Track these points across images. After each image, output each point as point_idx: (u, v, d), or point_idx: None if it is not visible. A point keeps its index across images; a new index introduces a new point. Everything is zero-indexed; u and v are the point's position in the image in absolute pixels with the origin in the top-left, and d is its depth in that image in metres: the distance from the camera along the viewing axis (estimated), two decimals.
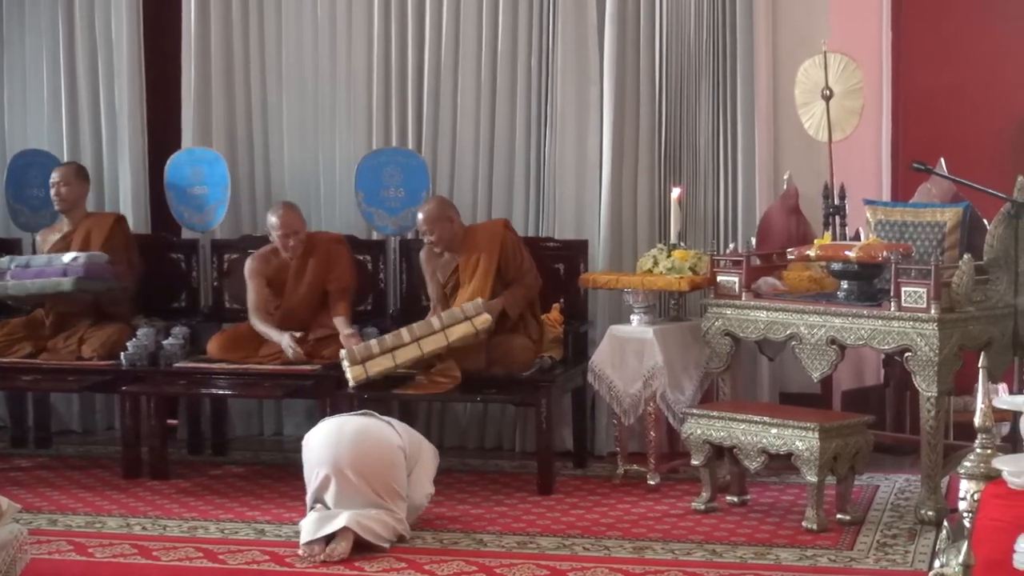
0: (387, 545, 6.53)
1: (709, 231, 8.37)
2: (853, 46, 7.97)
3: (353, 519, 6.45)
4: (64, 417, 9.30)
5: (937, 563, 4.60)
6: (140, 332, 8.20)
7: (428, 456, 7.00)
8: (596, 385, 7.78)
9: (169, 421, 8.37)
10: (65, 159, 9.05)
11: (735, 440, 7.00)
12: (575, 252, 8.32)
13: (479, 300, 7.63)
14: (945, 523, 4.96)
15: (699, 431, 7.10)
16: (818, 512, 6.78)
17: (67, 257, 8.19)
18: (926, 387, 6.80)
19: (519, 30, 8.58)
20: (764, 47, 8.24)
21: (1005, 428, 6.98)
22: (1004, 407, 5.32)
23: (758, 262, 7.57)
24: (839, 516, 6.92)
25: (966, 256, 6.82)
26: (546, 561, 6.38)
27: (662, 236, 8.30)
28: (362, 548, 6.46)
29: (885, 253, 6.93)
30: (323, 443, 6.65)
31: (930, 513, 6.81)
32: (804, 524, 6.81)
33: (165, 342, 8.16)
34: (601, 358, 7.76)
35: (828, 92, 7.74)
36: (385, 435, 6.68)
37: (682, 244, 7.93)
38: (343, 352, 7.61)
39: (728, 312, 7.48)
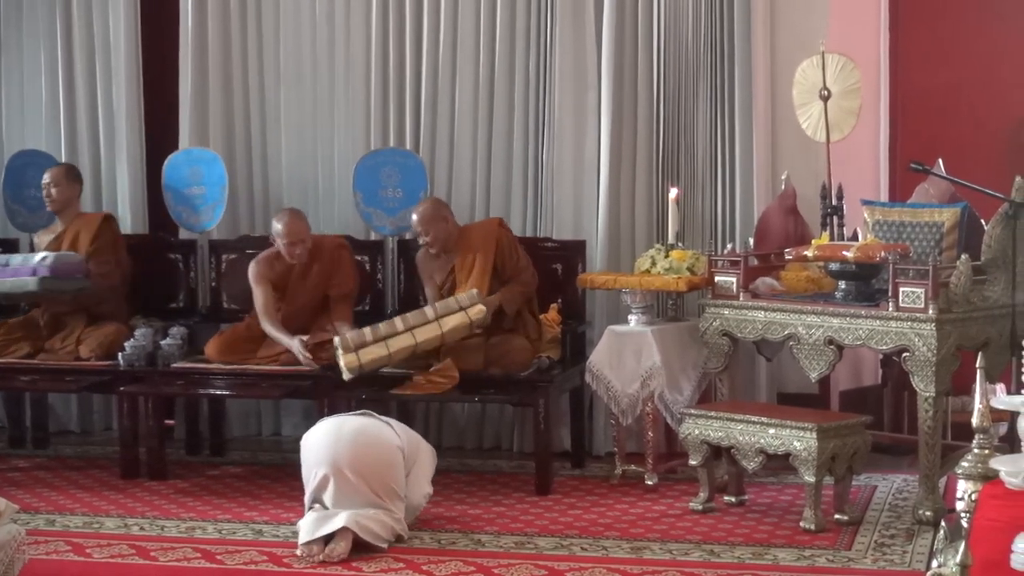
0: (385, 545, 6.53)
1: (707, 231, 8.37)
2: (851, 47, 7.98)
3: (352, 519, 6.45)
4: (62, 417, 9.31)
5: (935, 563, 4.61)
6: (138, 332, 8.20)
7: (426, 456, 7.01)
8: (594, 385, 7.78)
9: (166, 421, 8.37)
10: (63, 160, 9.05)
11: (733, 440, 7.00)
12: (573, 252, 8.33)
13: (474, 291, 7.64)
14: (943, 523, 4.96)
15: (697, 431, 7.11)
16: (816, 512, 6.78)
17: (38, 257, 8.21)
18: (924, 387, 6.81)
19: (517, 31, 8.58)
20: (762, 48, 8.24)
21: (1003, 428, 6.97)
22: (1002, 407, 5.31)
23: (756, 262, 7.58)
24: (837, 516, 6.92)
25: (964, 256, 6.82)
26: (544, 561, 6.38)
27: (660, 236, 8.30)
28: (360, 548, 6.46)
29: (883, 253, 6.93)
30: (321, 443, 6.65)
31: (928, 513, 6.81)
32: (802, 524, 6.82)
33: (163, 342, 8.16)
34: (599, 358, 7.76)
35: (826, 93, 7.75)
36: (383, 435, 6.69)
37: (680, 244, 7.93)
38: (337, 339, 7.61)
39: (726, 312, 7.48)
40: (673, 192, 8.00)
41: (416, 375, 7.66)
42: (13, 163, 8.99)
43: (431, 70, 8.71)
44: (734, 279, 7.46)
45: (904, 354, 6.86)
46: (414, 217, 7.95)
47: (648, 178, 8.43)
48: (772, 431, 6.88)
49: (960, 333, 6.83)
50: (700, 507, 7.17)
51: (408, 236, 8.32)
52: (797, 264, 7.52)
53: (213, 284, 8.79)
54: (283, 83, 8.96)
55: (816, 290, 7.48)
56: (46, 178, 8.50)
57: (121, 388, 7.97)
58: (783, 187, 7.93)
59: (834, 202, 7.72)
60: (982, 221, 7.13)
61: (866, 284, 7.15)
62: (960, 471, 5.06)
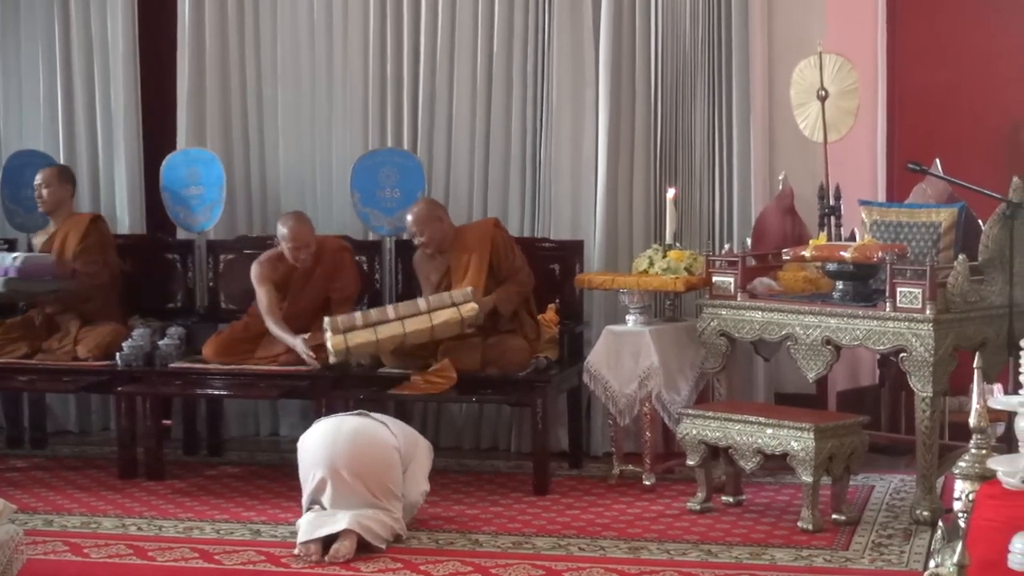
0: (384, 545, 6.53)
1: (705, 232, 8.37)
2: (848, 47, 7.99)
3: (355, 520, 6.45)
4: (60, 417, 9.30)
5: (932, 563, 4.62)
6: (136, 332, 8.21)
7: (423, 453, 7.01)
8: (592, 385, 7.78)
9: (164, 421, 8.37)
10: (61, 160, 9.05)
11: (730, 440, 7.00)
12: (571, 252, 8.33)
13: (469, 289, 7.64)
14: (940, 523, 4.97)
15: (694, 431, 7.11)
16: (813, 512, 6.78)
17: (10, 258, 8.23)
18: (921, 387, 6.81)
19: (515, 31, 8.58)
20: (760, 48, 8.25)
21: (1000, 428, 6.97)
22: (999, 407, 5.32)
23: (753, 263, 7.58)
24: (834, 516, 6.92)
25: (961, 256, 6.83)
26: (541, 561, 6.38)
27: (658, 236, 8.29)
28: (360, 548, 6.46)
29: (880, 254, 6.94)
30: (318, 445, 6.64)
31: (925, 513, 6.82)
32: (799, 524, 6.82)
33: (161, 342, 8.16)
34: (597, 358, 7.76)
35: (823, 93, 7.76)
36: (380, 436, 6.68)
37: (678, 244, 7.93)
38: (327, 320, 7.62)
39: (724, 312, 7.48)
40: (671, 192, 8.00)
41: (414, 375, 7.66)
42: (11, 163, 8.99)
43: (428, 69, 8.71)
44: (732, 279, 7.46)
45: (901, 354, 6.87)
46: (409, 218, 7.96)
47: (646, 178, 8.43)
48: (770, 431, 6.88)
49: (957, 333, 6.84)
50: (698, 507, 7.18)
51: (406, 236, 8.32)
52: (795, 264, 7.52)
53: (211, 284, 8.79)
54: (281, 83, 8.96)
55: (814, 290, 7.49)
56: (38, 179, 8.52)
57: (119, 388, 7.97)
58: (781, 187, 7.94)
59: (831, 202, 7.72)
60: (979, 221, 7.13)
61: (863, 284, 7.16)
62: (957, 471, 5.07)
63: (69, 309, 8.39)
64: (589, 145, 8.46)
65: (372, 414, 6.82)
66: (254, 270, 8.07)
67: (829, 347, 7.09)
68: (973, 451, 5.05)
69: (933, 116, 8.49)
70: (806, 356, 7.16)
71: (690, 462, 7.17)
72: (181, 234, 8.94)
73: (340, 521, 6.45)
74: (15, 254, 8.28)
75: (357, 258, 8.44)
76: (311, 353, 7.77)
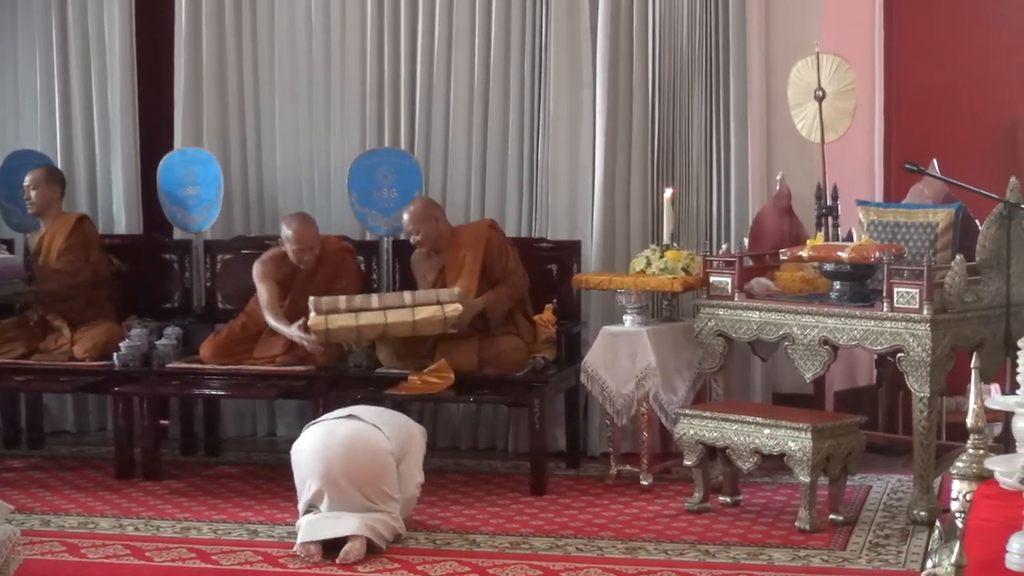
0: (385, 546, 6.53)
1: (702, 232, 8.37)
2: (846, 47, 7.98)
3: (364, 524, 6.43)
4: (57, 418, 9.30)
5: (929, 563, 4.61)
6: (133, 333, 8.21)
7: (416, 444, 6.95)
8: (589, 386, 7.78)
9: (161, 422, 8.36)
10: (58, 160, 9.06)
11: (728, 440, 7.00)
12: (568, 253, 8.33)
13: (456, 289, 7.64)
14: (937, 523, 4.96)
15: (692, 431, 7.11)
16: (811, 512, 6.78)
17: None
18: (918, 387, 6.81)
19: (512, 31, 8.58)
20: (757, 48, 8.25)
21: (997, 428, 6.97)
22: (996, 407, 5.31)
23: (751, 263, 7.58)
24: (832, 516, 6.92)
25: (958, 257, 6.83)
26: (539, 562, 6.38)
27: (655, 237, 8.29)
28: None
29: (877, 254, 6.94)
30: (312, 454, 6.57)
31: (922, 513, 6.82)
32: (797, 524, 6.82)
33: (158, 343, 8.17)
34: (594, 359, 7.76)
35: (821, 93, 7.76)
36: (373, 442, 6.61)
37: (675, 245, 7.93)
38: (311, 301, 7.64)
39: (721, 313, 7.48)
40: (668, 192, 8.00)
41: (411, 375, 7.66)
42: (8, 164, 8.98)
43: (426, 70, 8.71)
44: (729, 279, 7.46)
45: (899, 354, 6.87)
46: (405, 216, 7.98)
47: (643, 178, 8.43)
48: (767, 431, 6.88)
49: (954, 333, 6.84)
50: (695, 507, 7.18)
51: (403, 236, 8.32)
52: (792, 264, 7.52)
53: (208, 284, 8.79)
54: (278, 83, 8.96)
55: (811, 290, 7.49)
56: (27, 181, 8.53)
57: (116, 388, 7.97)
58: (778, 187, 7.94)
59: (829, 202, 7.72)
60: (976, 222, 7.14)
61: (861, 284, 7.16)
62: (955, 471, 5.06)
63: (50, 309, 8.38)
64: (586, 145, 8.46)
65: (363, 416, 6.71)
66: (256, 268, 8.06)
67: (826, 347, 7.10)
68: (970, 451, 5.04)
69: (930, 116, 8.49)
70: (803, 356, 7.16)
71: (687, 462, 7.17)
72: (178, 234, 8.95)
73: (348, 525, 6.44)
74: None
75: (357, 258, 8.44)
76: (309, 337, 7.72)
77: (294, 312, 7.99)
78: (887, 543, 6.62)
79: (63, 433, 9.26)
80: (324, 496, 6.53)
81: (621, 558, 6.45)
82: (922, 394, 6.81)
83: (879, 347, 6.98)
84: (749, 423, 6.95)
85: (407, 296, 7.67)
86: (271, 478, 7.95)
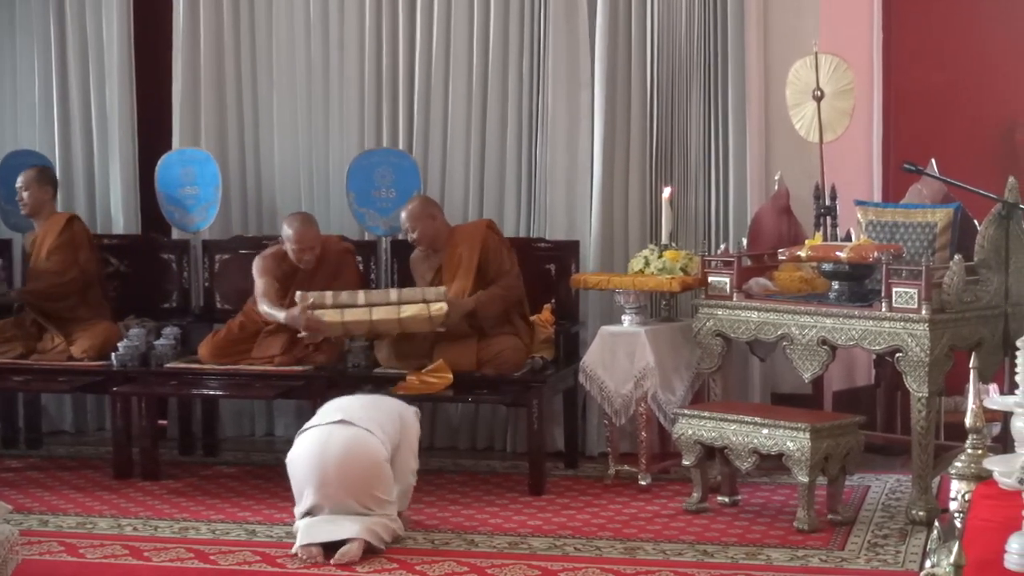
0: (384, 547, 6.53)
1: (700, 232, 8.37)
2: (844, 47, 7.99)
3: (364, 527, 6.43)
4: (55, 418, 9.30)
5: (928, 563, 4.61)
6: (131, 333, 8.21)
7: (410, 429, 6.90)
8: (587, 385, 7.78)
9: (159, 422, 8.36)
10: (56, 160, 9.06)
11: (726, 440, 7.00)
12: (566, 253, 8.33)
13: (442, 288, 7.64)
14: (936, 523, 4.96)
15: (690, 431, 7.11)
16: (809, 512, 6.78)
17: None
18: (917, 387, 6.81)
19: (511, 32, 8.58)
20: (755, 48, 8.24)
21: (995, 428, 6.98)
22: (995, 407, 5.31)
23: (749, 263, 7.57)
24: (830, 516, 6.93)
25: (957, 257, 6.83)
26: (537, 562, 6.38)
27: (653, 237, 8.29)
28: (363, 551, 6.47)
29: (876, 254, 6.94)
30: (308, 466, 6.52)
31: (921, 513, 6.82)
32: (795, 524, 6.82)
33: (156, 343, 8.16)
34: (592, 358, 7.76)
35: (819, 93, 7.76)
36: (368, 449, 6.55)
37: (673, 245, 7.92)
38: (298, 295, 7.66)
39: (719, 313, 7.48)
40: (666, 192, 8.00)
41: (409, 375, 7.66)
42: (6, 164, 8.97)
43: (424, 70, 8.71)
44: (727, 279, 7.46)
45: (897, 354, 6.87)
46: (403, 214, 8.00)
47: (641, 178, 8.43)
48: (765, 431, 6.88)
49: (953, 333, 6.84)
50: (693, 507, 7.18)
51: (401, 236, 8.31)
52: (790, 264, 7.52)
53: (206, 284, 8.79)
54: (276, 83, 8.95)
55: (809, 290, 7.49)
56: (18, 182, 8.52)
57: (114, 388, 7.96)
58: (776, 187, 7.94)
59: (827, 202, 7.72)
60: (975, 222, 7.14)
61: (859, 284, 7.16)
62: (953, 471, 5.06)
63: (42, 310, 8.38)
64: (585, 145, 8.45)
65: (355, 420, 6.63)
66: (257, 263, 8.06)
67: (825, 347, 7.10)
68: (969, 451, 5.04)
69: (929, 116, 8.50)
70: (802, 356, 7.16)
71: (686, 462, 7.17)
72: (176, 234, 8.94)
73: (347, 528, 6.43)
74: None
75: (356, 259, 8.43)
76: (298, 312, 7.67)
77: None
78: (885, 543, 6.62)
79: (61, 433, 9.25)
80: (322, 506, 6.51)
81: (619, 558, 6.45)
82: (920, 394, 6.81)
83: (877, 347, 6.98)
84: (747, 423, 6.95)
85: (392, 293, 7.68)
86: (269, 478, 7.94)
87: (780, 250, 7.43)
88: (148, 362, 8.08)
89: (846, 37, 8.33)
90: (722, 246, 7.93)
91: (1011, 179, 6.88)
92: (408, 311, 7.57)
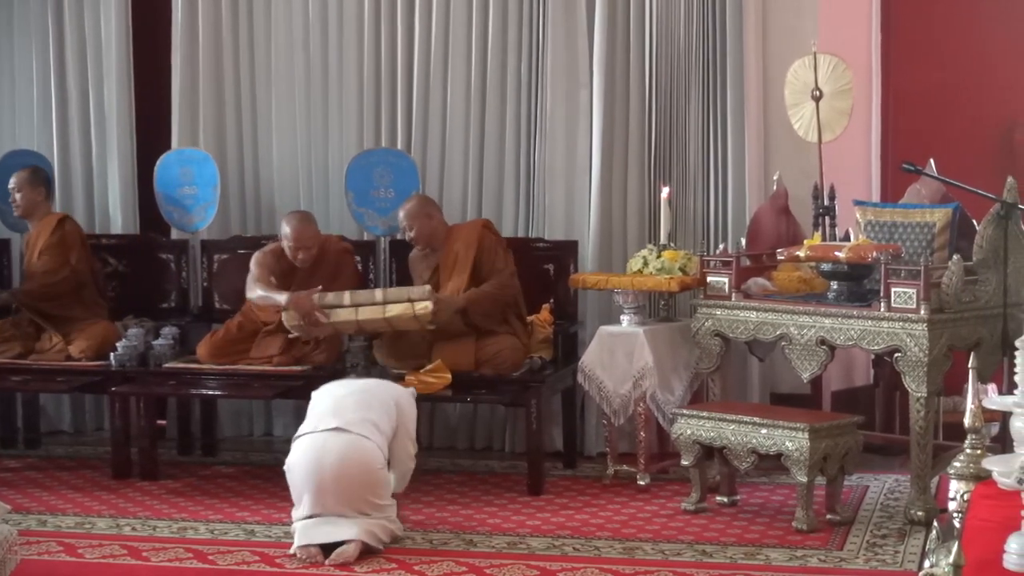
0: (382, 547, 6.52)
1: (699, 232, 8.37)
2: (843, 47, 7.98)
3: (363, 529, 6.43)
4: (53, 418, 9.30)
5: (927, 563, 4.61)
6: (130, 333, 8.20)
7: (406, 414, 6.86)
8: (586, 385, 7.78)
9: (158, 422, 8.35)
10: (55, 160, 9.06)
11: (725, 440, 7.00)
12: (565, 252, 8.32)
13: (427, 288, 7.65)
14: (935, 523, 4.96)
15: (689, 431, 7.11)
16: (808, 512, 6.78)
17: None
18: (916, 387, 6.81)
19: (509, 31, 8.58)
20: (754, 48, 8.25)
21: (994, 428, 6.98)
22: (993, 407, 5.32)
23: (748, 263, 7.57)
24: (829, 516, 6.93)
25: (955, 257, 6.83)
26: (536, 561, 6.38)
27: (652, 236, 8.30)
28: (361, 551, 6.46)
29: (875, 254, 6.94)
30: (304, 475, 6.51)
31: (919, 513, 6.82)
32: (794, 524, 6.82)
33: (155, 343, 8.16)
34: (591, 358, 7.76)
35: (818, 93, 7.75)
36: (364, 457, 6.53)
37: (672, 244, 7.92)
38: (286, 298, 7.69)
39: (718, 312, 7.48)
40: (665, 192, 8.00)
41: (408, 375, 7.65)
42: (4, 164, 8.95)
43: (423, 70, 8.71)
44: (726, 279, 7.46)
45: (896, 354, 6.87)
46: (400, 213, 8.01)
47: (640, 178, 8.43)
48: (764, 431, 6.88)
49: (952, 333, 6.84)
50: (692, 507, 7.18)
51: (400, 236, 8.31)
52: (789, 264, 7.52)
53: (205, 284, 8.78)
54: (275, 83, 8.95)
55: (808, 290, 7.49)
56: (11, 183, 8.52)
57: (113, 388, 7.96)
58: (775, 187, 7.93)
59: (826, 202, 7.72)
60: (973, 222, 7.14)
61: (858, 284, 7.16)
62: (952, 471, 5.06)
63: (32, 309, 8.38)
64: (583, 145, 8.45)
65: (350, 426, 6.58)
66: (256, 256, 8.04)
67: (823, 347, 7.10)
68: (968, 451, 5.04)
69: (928, 116, 8.50)
70: (800, 356, 7.16)
71: (684, 462, 7.17)
72: (175, 234, 8.94)
73: (346, 530, 6.43)
74: None
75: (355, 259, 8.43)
76: (301, 298, 7.68)
77: None
78: (884, 543, 6.62)
79: (60, 433, 9.25)
80: (321, 514, 6.50)
81: (618, 558, 6.45)
82: (919, 394, 6.81)
83: (876, 347, 6.98)
84: (746, 423, 6.95)
85: (378, 294, 7.69)
86: (268, 478, 7.94)
87: (779, 250, 7.43)
88: (146, 362, 8.08)
89: (845, 37, 8.33)
90: (721, 246, 7.93)
91: (1010, 179, 6.88)
92: (393, 311, 7.58)
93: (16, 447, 8.87)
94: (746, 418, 6.99)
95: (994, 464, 4.84)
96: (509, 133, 8.62)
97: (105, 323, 8.37)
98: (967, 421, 5.08)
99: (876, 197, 8.40)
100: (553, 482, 7.79)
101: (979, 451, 5.03)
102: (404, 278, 8.31)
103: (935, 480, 7.05)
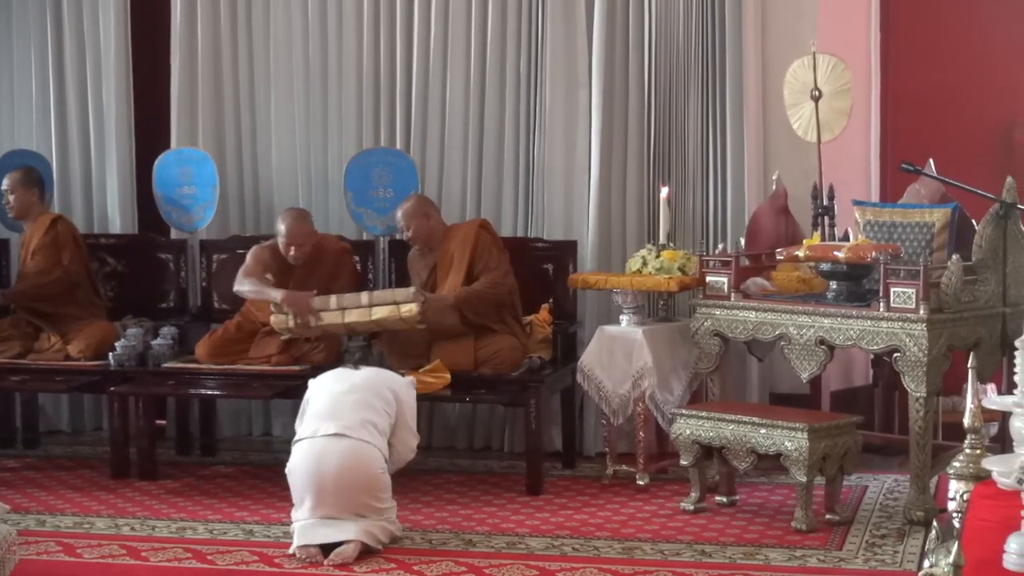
0: (381, 547, 6.52)
1: (698, 231, 8.37)
2: (842, 47, 7.98)
3: (362, 530, 6.43)
4: (52, 417, 9.29)
5: (926, 563, 4.61)
6: (129, 332, 8.20)
7: (405, 404, 6.86)
8: (585, 385, 7.78)
9: (157, 421, 8.35)
10: (53, 159, 9.05)
11: (724, 440, 7.00)
12: (564, 252, 8.32)
13: (411, 290, 7.66)
14: (935, 523, 4.96)
15: (688, 431, 7.10)
16: (807, 512, 6.78)
17: None
18: (915, 387, 6.81)
19: (508, 31, 8.57)
20: (753, 48, 8.24)
21: (993, 428, 6.98)
22: (993, 407, 5.31)
23: (747, 262, 7.57)
24: (828, 516, 6.93)
25: (955, 257, 6.83)
26: (535, 561, 6.37)
27: (651, 236, 8.29)
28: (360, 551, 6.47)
29: (874, 254, 6.94)
30: (305, 480, 6.50)
31: (919, 513, 6.82)
32: (793, 524, 6.82)
33: (154, 342, 8.16)
34: (590, 358, 7.76)
35: (817, 93, 7.74)
36: (364, 463, 6.52)
37: (671, 244, 7.92)
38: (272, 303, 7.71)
39: (717, 312, 7.48)
40: (664, 192, 8.00)
41: (407, 374, 7.64)
42: (3, 163, 8.95)
43: (422, 70, 8.70)
44: (725, 279, 7.46)
45: (895, 354, 6.87)
46: (398, 212, 8.01)
47: (639, 178, 8.43)
48: (763, 431, 6.88)
49: (951, 333, 6.84)
50: (691, 507, 7.17)
51: (399, 236, 8.31)
52: (788, 264, 7.52)
53: (204, 284, 8.78)
54: (274, 83, 8.95)
55: (807, 290, 7.49)
56: (4, 185, 8.51)
57: (111, 388, 7.96)
58: (774, 187, 7.93)
59: (825, 202, 7.72)
60: (973, 221, 7.14)
61: (857, 284, 7.16)
62: (952, 471, 5.06)
63: (27, 309, 8.37)
64: (582, 145, 8.45)
65: (350, 431, 6.55)
66: (253, 249, 8.06)
67: (823, 347, 7.09)
68: (967, 451, 5.04)
69: (927, 116, 8.49)
70: (800, 356, 7.16)
71: (684, 462, 7.17)
72: (174, 234, 8.93)
73: (345, 530, 6.43)
74: None
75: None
76: (294, 298, 7.71)
77: None
78: (883, 543, 6.62)
79: (58, 433, 9.25)
80: (321, 517, 6.50)
81: (617, 558, 6.44)
82: (918, 394, 6.81)
83: (875, 347, 6.98)
84: (745, 423, 6.95)
85: (364, 297, 7.69)
86: (267, 478, 7.93)
87: (778, 250, 7.43)
88: (145, 362, 8.08)
89: (844, 37, 8.33)
90: (720, 246, 7.93)
91: (1009, 179, 6.88)
92: (379, 313, 7.60)
93: (15, 447, 8.87)
94: (745, 418, 6.98)
95: (993, 464, 4.84)
96: (508, 133, 8.62)
97: (104, 323, 8.37)
98: (966, 421, 5.07)
99: (875, 197, 8.40)
100: (552, 482, 7.79)
101: (978, 451, 5.03)
102: (403, 278, 8.31)
103: (934, 480, 7.05)
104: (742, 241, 7.81)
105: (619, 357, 7.67)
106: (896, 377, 7.09)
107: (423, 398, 7.61)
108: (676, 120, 8.39)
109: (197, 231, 8.83)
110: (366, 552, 6.43)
